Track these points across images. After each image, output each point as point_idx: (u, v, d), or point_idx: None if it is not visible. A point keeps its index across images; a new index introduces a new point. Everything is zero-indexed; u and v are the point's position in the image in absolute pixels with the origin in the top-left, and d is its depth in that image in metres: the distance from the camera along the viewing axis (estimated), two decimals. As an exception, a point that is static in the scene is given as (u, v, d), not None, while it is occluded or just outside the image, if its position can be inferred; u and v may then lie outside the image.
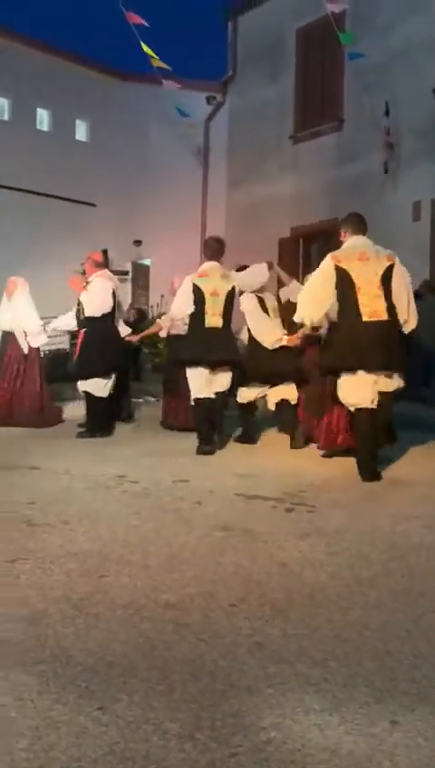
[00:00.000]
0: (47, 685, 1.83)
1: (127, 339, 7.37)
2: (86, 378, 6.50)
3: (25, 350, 7.29)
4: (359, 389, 4.48)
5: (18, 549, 2.95)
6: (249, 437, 6.06)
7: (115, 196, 14.63)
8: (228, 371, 5.67)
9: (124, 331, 7.28)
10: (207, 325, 5.57)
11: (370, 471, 4.45)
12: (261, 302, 5.98)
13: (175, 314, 6.02)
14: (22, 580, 2.59)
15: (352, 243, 4.67)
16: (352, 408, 4.61)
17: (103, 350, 6.46)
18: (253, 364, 5.81)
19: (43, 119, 14.94)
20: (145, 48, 8.67)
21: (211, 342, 5.54)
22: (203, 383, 5.61)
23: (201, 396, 5.62)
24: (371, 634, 2.20)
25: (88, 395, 6.52)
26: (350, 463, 4.83)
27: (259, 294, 6.01)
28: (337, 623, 2.27)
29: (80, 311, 6.67)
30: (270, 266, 6.21)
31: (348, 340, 4.48)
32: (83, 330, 6.61)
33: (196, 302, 5.61)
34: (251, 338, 5.93)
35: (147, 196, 14.42)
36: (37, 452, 5.46)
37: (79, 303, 6.68)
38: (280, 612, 2.34)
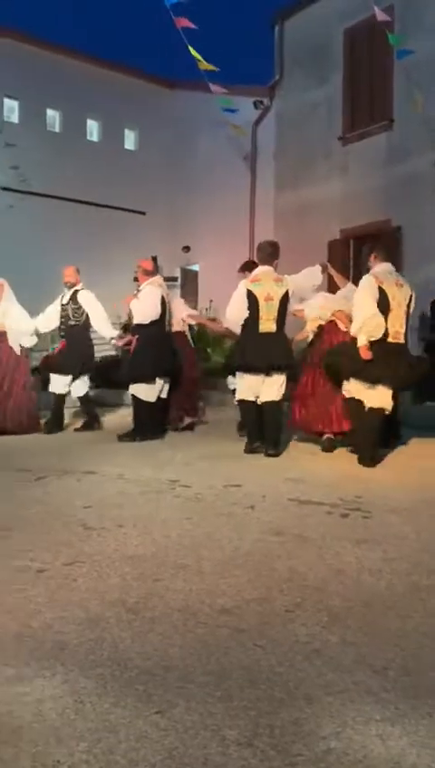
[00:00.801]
0: (105, 688, 1.85)
1: (116, 342, 7.51)
2: (135, 382, 6.58)
3: (18, 352, 7.20)
4: (379, 396, 5.22)
5: (75, 552, 3.00)
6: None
7: (164, 203, 14.79)
8: (282, 375, 5.67)
9: (110, 332, 7.43)
10: (260, 330, 5.61)
11: (370, 457, 5.14)
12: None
13: (230, 320, 6.04)
14: (79, 583, 2.62)
15: (385, 268, 5.32)
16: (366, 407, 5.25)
17: (153, 355, 6.52)
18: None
19: (92, 130, 15.23)
20: (192, 51, 8.71)
21: (265, 347, 5.57)
22: (250, 385, 5.68)
23: (244, 398, 5.71)
24: (431, 643, 2.14)
25: (135, 398, 6.58)
26: (405, 467, 4.73)
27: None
28: (396, 631, 2.22)
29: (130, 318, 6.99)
30: (324, 269, 6.19)
31: (375, 357, 5.12)
32: (135, 336, 6.70)
33: (249, 308, 5.62)
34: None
35: (195, 202, 14.52)
36: (92, 457, 5.54)
37: (130, 311, 6.91)
38: (337, 619, 2.30)
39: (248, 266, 6.50)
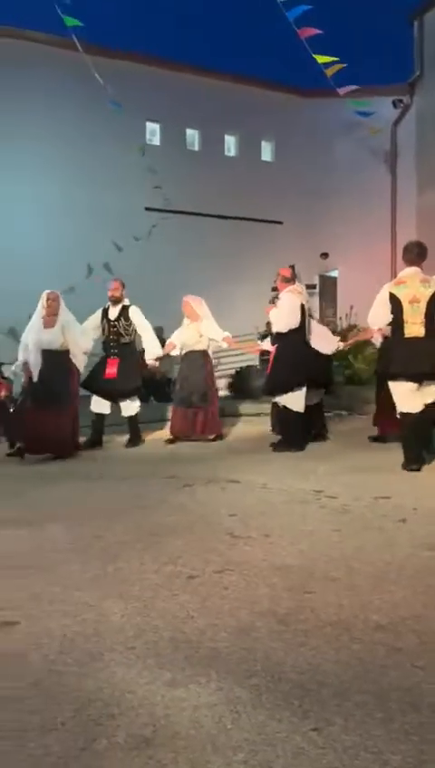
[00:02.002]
0: (260, 699, 1.83)
1: (149, 364, 7.27)
2: (276, 391, 6.57)
3: (81, 370, 6.82)
4: (406, 399, 5.36)
5: (224, 560, 3.03)
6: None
7: (300, 211, 14.75)
8: (433, 385, 5.34)
9: (159, 352, 7.18)
10: (406, 335, 5.27)
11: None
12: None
13: (371, 324, 5.84)
14: (229, 592, 2.64)
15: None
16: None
17: (294, 364, 6.47)
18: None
19: (230, 145, 15.56)
20: (319, 59, 8.61)
21: (414, 353, 5.21)
22: (408, 396, 5.34)
23: (406, 410, 5.35)
24: None
25: (285, 409, 6.57)
26: None
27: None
28: None
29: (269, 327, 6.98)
30: None
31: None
32: (275, 345, 6.70)
33: (393, 312, 5.38)
34: None
35: (333, 207, 14.36)
36: (235, 466, 5.60)
37: (268, 320, 6.94)
38: None
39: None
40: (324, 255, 14.81)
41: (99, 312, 7.18)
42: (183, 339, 7.49)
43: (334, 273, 14.93)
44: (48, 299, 6.63)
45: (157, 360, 7.36)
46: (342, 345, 7.13)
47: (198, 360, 7.41)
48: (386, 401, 5.85)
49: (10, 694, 1.89)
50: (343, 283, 14.51)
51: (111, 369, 7.02)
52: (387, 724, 1.68)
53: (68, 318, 6.65)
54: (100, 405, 7.10)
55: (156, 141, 14.58)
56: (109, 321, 7.10)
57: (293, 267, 8.28)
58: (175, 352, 7.69)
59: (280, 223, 14.95)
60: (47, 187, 12.87)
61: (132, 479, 5.20)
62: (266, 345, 7.30)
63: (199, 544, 3.29)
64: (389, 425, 6.27)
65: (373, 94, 11.99)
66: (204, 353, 7.45)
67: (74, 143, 13.15)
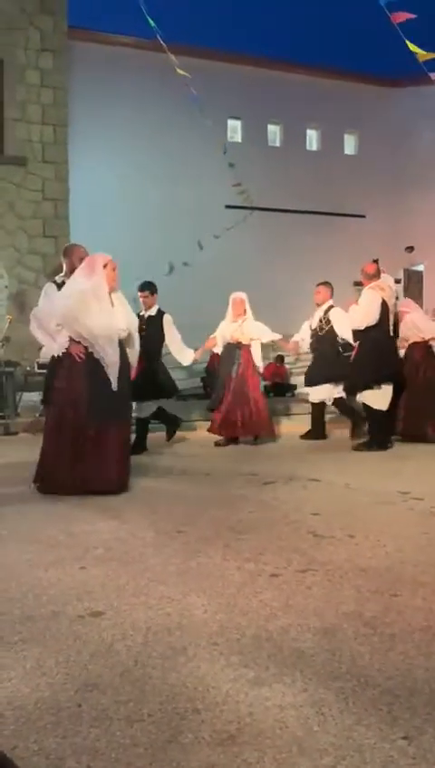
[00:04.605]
0: (347, 703, 1.79)
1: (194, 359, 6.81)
2: (356, 389, 6.44)
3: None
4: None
5: (307, 560, 2.99)
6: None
7: (384, 204, 14.42)
8: None
9: (188, 359, 6.66)
10: None
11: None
12: None
13: None
14: (313, 591, 2.60)
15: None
16: None
17: (373, 361, 6.31)
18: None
19: (311, 140, 15.39)
20: (411, 45, 8.34)
21: None
22: None
23: None
24: None
25: (366, 407, 6.45)
26: None
27: None
28: None
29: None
30: None
31: None
32: (357, 342, 6.57)
33: None
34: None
35: (418, 199, 13.95)
36: (315, 464, 5.53)
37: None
38: None
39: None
40: (410, 249, 14.41)
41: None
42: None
43: (420, 268, 14.50)
44: None
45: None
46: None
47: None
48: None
49: (98, 681, 1.93)
50: (429, 278, 14.07)
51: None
52: None
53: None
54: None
55: (237, 138, 14.60)
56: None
57: (376, 262, 8.10)
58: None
59: (363, 216, 14.65)
60: (133, 187, 13.15)
61: (214, 475, 5.23)
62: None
63: (282, 543, 3.26)
64: None
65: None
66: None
67: (158, 143, 13.38)
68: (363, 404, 6.49)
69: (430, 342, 7.25)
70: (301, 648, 2.12)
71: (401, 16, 8.14)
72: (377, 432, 6.37)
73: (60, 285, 4.81)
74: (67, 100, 12.82)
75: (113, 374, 4.32)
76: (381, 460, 5.77)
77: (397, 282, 13.58)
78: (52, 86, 12.86)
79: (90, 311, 4.29)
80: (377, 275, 6.77)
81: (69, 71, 12.90)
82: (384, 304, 6.48)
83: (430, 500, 4.10)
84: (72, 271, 4.75)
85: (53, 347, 4.52)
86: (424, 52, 8.48)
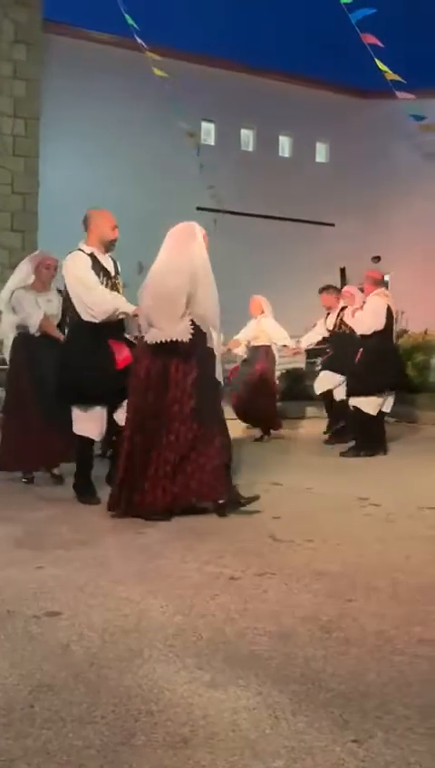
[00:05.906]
0: (300, 706, 1.81)
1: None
2: (357, 395, 6.43)
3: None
4: None
5: (265, 563, 3.01)
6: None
7: (354, 214, 14.59)
8: None
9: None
10: None
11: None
12: None
13: None
14: (270, 595, 2.62)
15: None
16: None
17: (377, 368, 6.32)
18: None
19: (284, 146, 15.50)
20: (379, 64, 8.51)
21: None
22: None
23: None
24: None
25: (357, 410, 6.42)
26: None
27: None
28: None
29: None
30: None
31: None
32: (360, 348, 6.55)
33: None
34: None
35: (387, 210, 14.18)
36: (279, 468, 5.57)
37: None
38: None
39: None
40: (376, 258, 14.62)
41: None
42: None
43: (386, 278, 14.73)
44: None
45: None
46: None
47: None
48: None
49: (52, 682, 1.92)
50: (395, 287, 14.29)
51: None
52: (429, 740, 1.64)
53: None
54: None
55: (210, 141, 14.62)
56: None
57: (343, 270, 8.20)
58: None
59: (332, 225, 14.82)
60: (104, 184, 13.06)
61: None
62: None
63: (241, 545, 3.28)
64: None
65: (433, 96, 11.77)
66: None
67: (130, 141, 13.31)
68: (354, 407, 6.47)
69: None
70: (256, 652, 2.14)
71: (371, 39, 8.29)
72: (365, 437, 6.38)
73: (91, 255, 4.42)
74: (40, 94, 12.70)
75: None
76: (346, 467, 5.84)
77: (361, 290, 13.78)
78: (24, 78, 12.72)
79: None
80: (382, 282, 6.78)
81: (43, 64, 12.78)
82: (389, 310, 6.53)
83: (387, 506, 4.17)
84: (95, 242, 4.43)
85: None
86: (392, 73, 8.66)
